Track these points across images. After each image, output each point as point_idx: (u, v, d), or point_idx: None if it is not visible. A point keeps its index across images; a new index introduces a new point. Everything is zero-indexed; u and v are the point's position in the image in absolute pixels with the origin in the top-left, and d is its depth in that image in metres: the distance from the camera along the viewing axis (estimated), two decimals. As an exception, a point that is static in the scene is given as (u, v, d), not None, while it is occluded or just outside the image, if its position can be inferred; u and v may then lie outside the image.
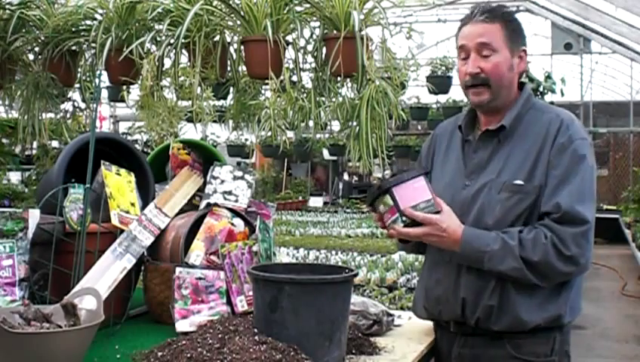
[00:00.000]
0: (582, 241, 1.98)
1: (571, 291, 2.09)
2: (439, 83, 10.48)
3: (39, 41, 2.90)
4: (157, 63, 2.46)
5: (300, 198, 14.20)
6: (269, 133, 2.39)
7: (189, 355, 1.66)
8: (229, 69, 2.67)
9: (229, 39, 2.63)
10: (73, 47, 2.83)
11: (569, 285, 2.08)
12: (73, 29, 2.81)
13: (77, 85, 3.02)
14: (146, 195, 2.37)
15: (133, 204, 2.26)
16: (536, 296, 2.04)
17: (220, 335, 1.74)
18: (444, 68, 10.94)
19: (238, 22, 2.52)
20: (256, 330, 1.76)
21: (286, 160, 15.09)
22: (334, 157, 15.40)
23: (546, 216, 2.01)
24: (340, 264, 5.06)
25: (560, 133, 2.05)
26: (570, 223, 1.98)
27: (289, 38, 2.51)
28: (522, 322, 2.04)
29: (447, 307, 2.12)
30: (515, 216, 2.03)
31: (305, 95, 2.50)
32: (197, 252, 2.16)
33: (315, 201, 14.15)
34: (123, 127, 14.66)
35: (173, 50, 2.46)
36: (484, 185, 2.08)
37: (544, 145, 2.05)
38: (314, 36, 2.56)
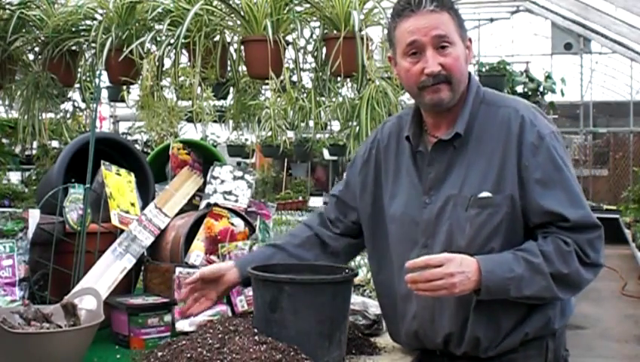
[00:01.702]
0: (598, 244, 1.78)
1: None
2: (439, 83, 10.45)
3: (39, 41, 2.90)
4: (157, 63, 2.47)
5: (300, 198, 14.18)
6: (269, 133, 2.40)
7: (189, 355, 1.66)
8: (229, 69, 2.68)
9: (229, 39, 2.64)
10: (73, 47, 2.83)
11: None
12: (73, 29, 2.81)
13: (77, 85, 3.02)
14: (146, 195, 2.37)
15: (133, 204, 2.26)
16: (520, 311, 1.82)
17: (220, 335, 1.74)
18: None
19: (238, 22, 2.52)
20: (256, 330, 1.76)
21: (286, 160, 15.06)
22: (334, 157, 15.37)
23: (548, 225, 1.77)
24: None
25: (526, 132, 1.79)
26: (583, 230, 1.77)
27: (289, 38, 2.51)
28: (511, 343, 1.83)
29: (428, 340, 1.89)
30: (489, 233, 1.77)
31: (305, 95, 2.50)
32: (197, 252, 2.16)
33: (315, 201, 14.13)
34: (123, 127, 14.64)
35: (173, 50, 2.47)
36: (446, 201, 1.82)
37: (508, 148, 1.79)
38: (314, 36, 2.56)
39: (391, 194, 1.93)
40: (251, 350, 1.65)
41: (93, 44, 2.77)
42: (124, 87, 2.72)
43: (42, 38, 2.86)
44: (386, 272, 1.96)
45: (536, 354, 1.88)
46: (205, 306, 1.99)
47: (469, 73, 1.89)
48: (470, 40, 1.88)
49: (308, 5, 2.48)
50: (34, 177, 7.99)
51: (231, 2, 2.52)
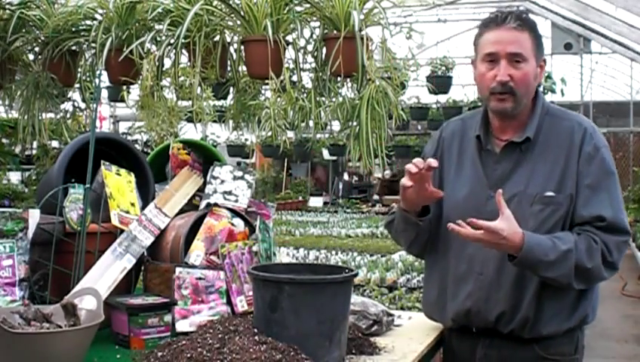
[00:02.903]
0: (623, 249, 2.06)
1: (595, 292, 2.15)
2: (439, 83, 10.48)
3: (39, 41, 2.89)
4: (157, 63, 2.46)
5: (300, 198, 14.19)
6: (269, 133, 2.39)
7: (189, 355, 1.66)
8: (229, 69, 2.67)
9: (229, 39, 2.63)
10: (73, 47, 2.82)
11: (595, 286, 2.15)
12: (73, 29, 2.80)
13: (77, 85, 3.01)
14: (146, 195, 2.37)
15: (133, 204, 2.26)
16: (567, 302, 2.08)
17: (220, 335, 1.74)
18: (444, 68, 10.95)
19: (238, 22, 2.52)
20: (256, 330, 1.76)
21: (286, 160, 15.08)
22: (334, 157, 15.39)
23: (586, 224, 2.03)
24: (339, 264, 5.06)
25: (585, 142, 2.07)
26: (614, 232, 2.04)
27: (289, 38, 2.51)
28: (554, 331, 2.08)
29: (479, 318, 2.12)
30: (549, 228, 2.04)
31: (305, 95, 2.50)
32: (197, 252, 2.16)
33: (315, 201, 14.14)
34: (123, 127, 14.66)
35: (173, 50, 2.46)
36: (512, 196, 2.06)
37: (570, 155, 2.06)
38: (314, 36, 2.56)
39: (453, 185, 2.18)
40: (251, 350, 1.66)
41: (93, 44, 2.77)
42: (124, 87, 2.71)
43: (42, 38, 2.85)
44: (442, 255, 2.20)
45: (568, 343, 2.14)
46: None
47: (537, 89, 2.17)
48: (544, 61, 2.14)
49: (308, 5, 2.48)
50: (34, 177, 8.00)
51: (231, 2, 2.52)
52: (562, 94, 11.42)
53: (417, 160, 2.01)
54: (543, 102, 2.17)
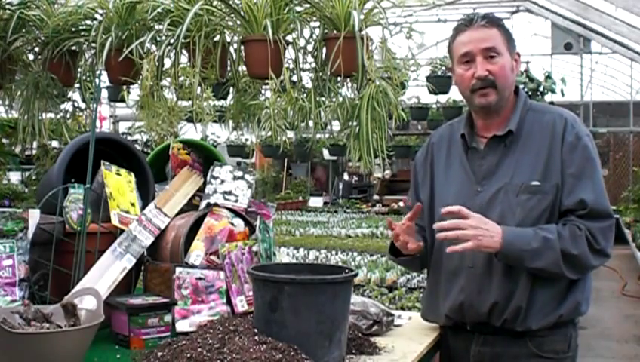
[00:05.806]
0: (609, 234, 2.07)
1: (588, 280, 2.16)
2: (439, 83, 10.46)
3: (39, 41, 2.89)
4: (157, 63, 2.46)
5: (300, 198, 14.19)
6: (269, 133, 2.40)
7: (189, 355, 1.66)
8: (229, 69, 2.67)
9: (229, 39, 2.63)
10: (73, 47, 2.82)
11: (587, 276, 2.16)
12: (73, 29, 2.80)
13: (77, 85, 3.01)
14: (146, 195, 2.37)
15: (133, 204, 2.26)
16: (558, 289, 2.09)
17: (220, 335, 1.74)
18: (444, 68, 10.92)
19: (238, 22, 2.52)
20: (256, 330, 1.76)
21: (286, 160, 15.08)
22: (334, 158, 15.39)
23: (569, 213, 2.06)
24: (339, 264, 5.06)
25: (567, 132, 2.10)
26: (597, 218, 2.05)
27: (289, 38, 2.51)
28: (546, 322, 2.09)
29: (472, 311, 2.13)
30: (536, 217, 2.06)
31: (305, 95, 2.50)
32: (197, 252, 2.16)
33: (315, 201, 14.14)
34: (123, 127, 14.65)
35: (173, 50, 2.46)
36: (498, 189, 2.10)
37: (553, 145, 2.10)
38: (314, 36, 2.56)
39: (442, 186, 2.24)
40: (251, 350, 1.66)
41: (93, 44, 2.77)
42: (124, 87, 2.71)
43: (42, 38, 2.85)
44: (436, 255, 2.23)
45: (561, 340, 2.15)
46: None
47: (517, 86, 2.23)
48: (518, 54, 2.20)
49: (308, 5, 2.48)
50: (34, 177, 7.99)
51: (231, 2, 2.52)
52: (562, 94, 11.41)
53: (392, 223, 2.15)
54: (525, 99, 2.22)
